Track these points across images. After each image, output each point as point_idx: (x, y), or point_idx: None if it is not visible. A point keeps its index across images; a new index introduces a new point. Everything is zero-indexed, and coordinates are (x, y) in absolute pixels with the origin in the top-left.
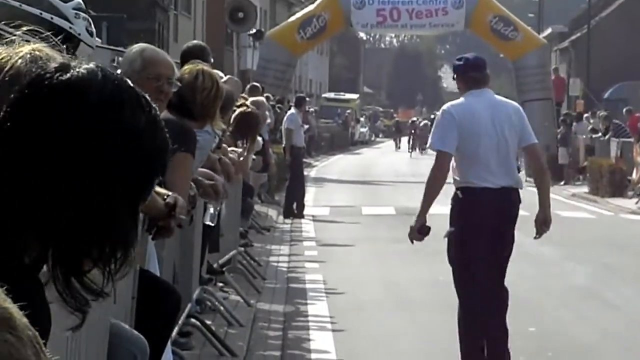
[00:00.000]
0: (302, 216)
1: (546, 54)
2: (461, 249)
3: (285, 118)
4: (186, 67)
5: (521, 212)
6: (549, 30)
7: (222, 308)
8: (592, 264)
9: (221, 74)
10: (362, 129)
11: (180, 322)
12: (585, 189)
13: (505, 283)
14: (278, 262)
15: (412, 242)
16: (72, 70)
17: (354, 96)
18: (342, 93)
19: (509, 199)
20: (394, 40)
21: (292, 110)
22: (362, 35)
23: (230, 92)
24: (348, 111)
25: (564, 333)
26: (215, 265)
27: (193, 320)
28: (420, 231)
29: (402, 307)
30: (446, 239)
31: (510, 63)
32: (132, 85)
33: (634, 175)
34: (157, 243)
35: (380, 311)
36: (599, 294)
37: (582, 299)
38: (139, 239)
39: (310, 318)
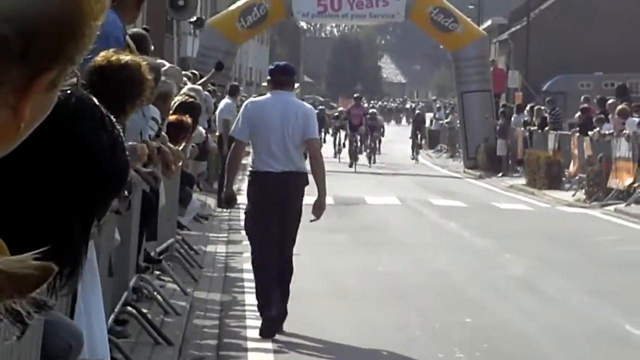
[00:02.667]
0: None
1: (486, 46)
2: (252, 219)
3: (220, 108)
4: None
5: (458, 204)
6: (488, 22)
7: (158, 296)
8: (529, 256)
9: (165, 62)
10: None
11: (116, 309)
12: (523, 180)
13: (442, 274)
14: (216, 250)
15: (222, 210)
16: None
17: (295, 85)
18: None
19: (290, 180)
20: (335, 30)
21: (227, 99)
22: (302, 24)
23: (169, 84)
24: None
25: (501, 324)
26: (152, 254)
27: (129, 308)
28: (226, 201)
29: (339, 296)
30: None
31: (450, 54)
32: (97, 103)
33: (571, 168)
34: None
35: (317, 300)
36: (535, 285)
37: (518, 290)
38: None
39: (247, 307)
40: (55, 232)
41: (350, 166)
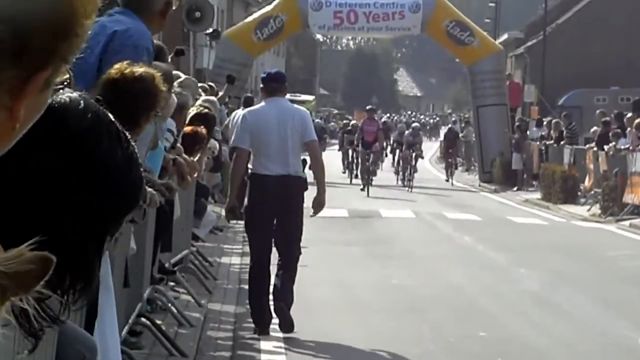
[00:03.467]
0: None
1: (502, 60)
2: (250, 218)
3: (235, 119)
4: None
5: (473, 217)
6: (505, 36)
7: (172, 308)
8: (543, 270)
9: (181, 74)
10: None
11: (130, 321)
12: (538, 195)
13: (456, 287)
14: (230, 262)
15: (229, 222)
16: (54, 96)
17: (310, 97)
18: (297, 94)
19: (287, 183)
20: (351, 43)
21: (242, 110)
22: (318, 37)
23: (185, 96)
24: None
25: (514, 338)
26: (167, 265)
27: (143, 319)
28: (229, 210)
29: (353, 310)
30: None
31: (465, 68)
32: (113, 119)
33: (587, 182)
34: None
35: (331, 313)
36: (549, 300)
37: (532, 304)
38: None
39: None
40: (68, 248)
41: (363, 189)
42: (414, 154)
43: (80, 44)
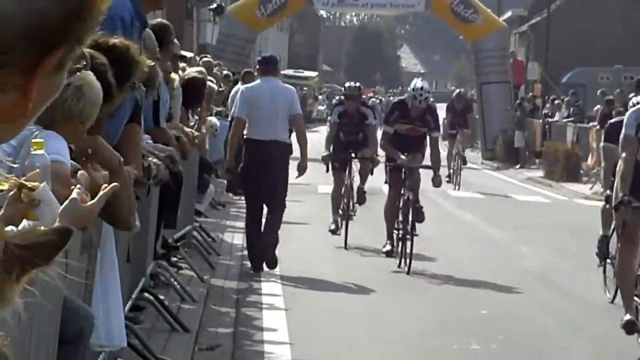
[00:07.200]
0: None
1: (505, 37)
2: (245, 175)
3: (234, 93)
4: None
5: (475, 195)
6: (508, 14)
7: (175, 283)
8: (545, 248)
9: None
10: (320, 107)
11: (133, 296)
12: (541, 173)
13: (458, 265)
14: (233, 238)
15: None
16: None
17: (313, 74)
18: (301, 70)
19: (275, 147)
20: (354, 19)
21: (240, 85)
22: (322, 13)
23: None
24: (305, 88)
25: (516, 316)
26: (169, 240)
27: (146, 294)
28: (227, 170)
29: (356, 287)
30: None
31: (469, 45)
32: None
33: (589, 161)
34: None
35: (333, 290)
36: (551, 278)
37: (534, 282)
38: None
39: (263, 295)
40: None
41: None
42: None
43: (95, 25)
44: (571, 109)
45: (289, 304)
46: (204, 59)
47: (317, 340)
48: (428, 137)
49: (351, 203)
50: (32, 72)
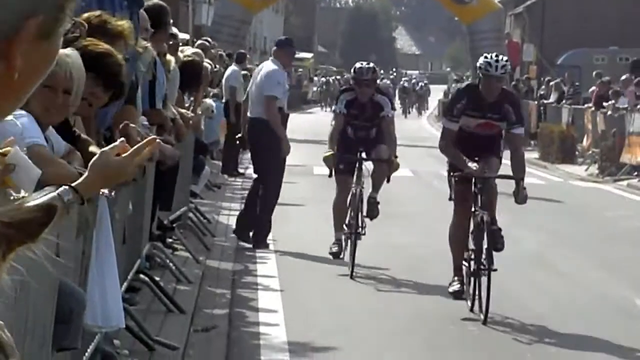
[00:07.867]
0: (238, 173)
1: (501, 19)
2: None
3: (227, 75)
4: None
5: None
6: None
7: (171, 264)
8: (540, 230)
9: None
10: (315, 88)
11: (129, 277)
12: (536, 154)
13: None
14: (228, 219)
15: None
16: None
17: (308, 55)
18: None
19: (257, 123)
20: (350, 0)
21: (234, 66)
22: None
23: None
24: (300, 70)
25: (513, 299)
26: (165, 222)
27: (142, 276)
28: (240, 141)
29: (350, 268)
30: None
31: (464, 27)
32: None
33: (584, 142)
34: (108, 199)
35: (328, 271)
36: (547, 260)
37: (530, 265)
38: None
39: (258, 276)
40: None
41: None
42: None
43: None
44: (570, 89)
45: (285, 285)
46: (199, 42)
47: (312, 322)
48: (504, 134)
49: (359, 217)
50: (11, 40)
